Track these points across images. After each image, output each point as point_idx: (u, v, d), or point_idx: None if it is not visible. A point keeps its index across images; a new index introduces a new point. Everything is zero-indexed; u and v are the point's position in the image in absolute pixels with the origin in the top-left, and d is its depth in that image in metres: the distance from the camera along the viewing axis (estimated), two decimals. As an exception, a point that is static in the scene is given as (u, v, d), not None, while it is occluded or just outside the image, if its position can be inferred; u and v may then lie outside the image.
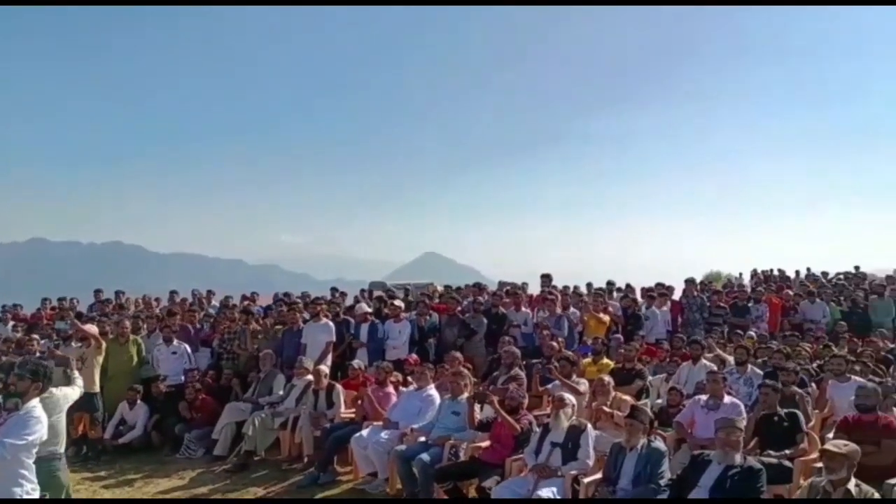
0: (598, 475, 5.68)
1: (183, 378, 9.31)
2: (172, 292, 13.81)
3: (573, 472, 5.76)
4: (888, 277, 16.82)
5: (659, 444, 5.60)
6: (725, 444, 4.95)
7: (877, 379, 7.62)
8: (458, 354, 8.70)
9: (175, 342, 9.62)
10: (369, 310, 10.41)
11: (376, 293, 12.98)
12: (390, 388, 7.99)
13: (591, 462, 5.88)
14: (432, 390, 7.60)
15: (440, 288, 14.12)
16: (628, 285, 12.92)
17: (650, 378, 8.44)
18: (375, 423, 7.41)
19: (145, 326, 10.61)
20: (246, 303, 12.64)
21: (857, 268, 17.35)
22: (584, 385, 7.47)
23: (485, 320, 10.14)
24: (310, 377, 8.44)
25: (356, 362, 8.93)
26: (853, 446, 4.56)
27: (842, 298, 12.69)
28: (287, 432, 8.13)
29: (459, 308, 10.67)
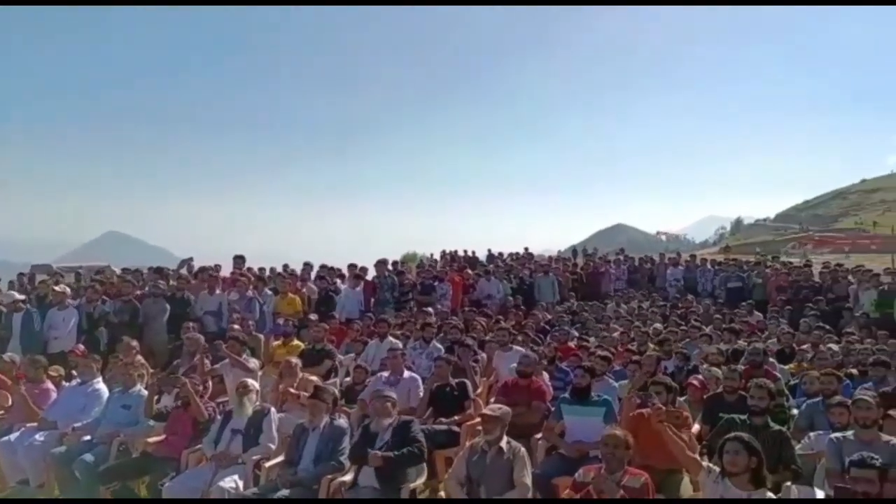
0: (281, 458, 5.61)
1: None
2: None
3: (255, 458, 5.63)
4: (550, 258, 19.38)
5: (341, 421, 5.70)
6: (377, 412, 5.34)
7: (535, 347, 8.69)
8: (135, 343, 7.95)
9: None
10: (21, 297, 9.07)
11: (39, 277, 11.36)
12: (48, 384, 7.04)
13: (273, 446, 5.80)
14: (99, 384, 6.88)
15: (118, 270, 12.82)
16: (323, 265, 13.04)
17: (340, 357, 8.60)
18: (28, 425, 6.48)
19: None
20: None
21: (526, 249, 19.52)
22: (253, 362, 7.36)
23: (167, 305, 9.42)
24: (-58, 377, 7.08)
25: (8, 356, 7.74)
26: (505, 409, 5.10)
27: (512, 276, 14.18)
28: None
29: (139, 292, 9.79)
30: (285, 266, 13.57)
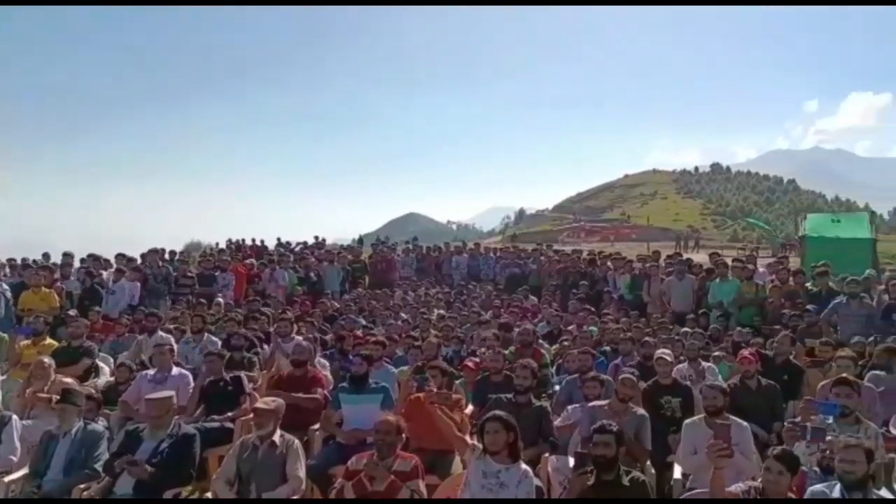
0: (25, 470, 5.00)
1: None
2: None
3: (-10, 473, 4.97)
4: (340, 247, 19.30)
5: (97, 425, 5.23)
6: (154, 420, 4.91)
7: (321, 336, 8.61)
8: None
9: None
10: None
11: None
12: None
13: (15, 458, 5.22)
14: None
15: None
16: (88, 255, 11.86)
17: (103, 355, 7.87)
18: None
19: None
20: None
21: (316, 237, 19.24)
22: None
23: None
24: None
25: None
26: (279, 402, 4.97)
27: (299, 266, 13.88)
28: None
29: None
30: (46, 255, 12.19)
